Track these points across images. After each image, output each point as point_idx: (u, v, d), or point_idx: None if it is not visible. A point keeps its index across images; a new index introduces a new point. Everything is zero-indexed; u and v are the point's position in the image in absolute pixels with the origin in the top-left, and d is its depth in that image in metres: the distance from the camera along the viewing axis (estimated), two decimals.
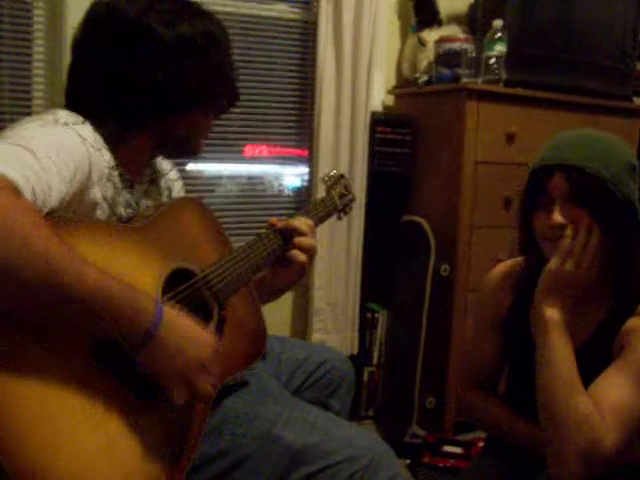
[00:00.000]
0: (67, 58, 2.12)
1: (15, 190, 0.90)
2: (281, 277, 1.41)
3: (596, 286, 1.29)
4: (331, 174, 1.60)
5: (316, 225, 1.46)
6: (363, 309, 2.80)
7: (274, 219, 1.39)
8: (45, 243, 0.88)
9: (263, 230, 1.37)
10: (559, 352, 1.21)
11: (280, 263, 1.39)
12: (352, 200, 1.62)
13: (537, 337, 1.25)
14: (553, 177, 1.26)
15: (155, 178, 1.39)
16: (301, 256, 1.37)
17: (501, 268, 1.49)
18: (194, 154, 1.36)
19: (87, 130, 1.13)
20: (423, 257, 2.59)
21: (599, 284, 1.30)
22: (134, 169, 1.28)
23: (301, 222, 1.39)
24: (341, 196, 1.58)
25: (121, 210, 1.23)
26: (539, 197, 1.29)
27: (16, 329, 0.90)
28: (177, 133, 1.28)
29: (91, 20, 1.23)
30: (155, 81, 1.19)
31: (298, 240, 1.37)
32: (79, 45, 1.24)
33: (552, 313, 1.23)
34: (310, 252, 1.38)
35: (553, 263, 1.24)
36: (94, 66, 1.22)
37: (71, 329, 0.96)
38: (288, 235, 1.37)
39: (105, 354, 1.00)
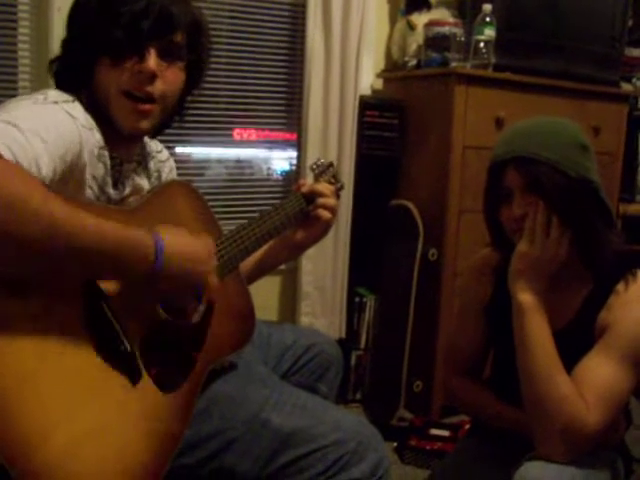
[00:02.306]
0: (53, 40, 2.13)
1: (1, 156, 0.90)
2: (307, 235, 1.53)
3: (574, 267, 1.31)
4: (319, 162, 1.61)
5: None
6: (351, 293, 2.81)
7: (301, 181, 1.56)
8: (44, 197, 0.87)
9: (257, 211, 1.46)
10: (535, 334, 1.23)
11: (306, 222, 1.51)
12: (341, 188, 1.63)
13: (513, 320, 1.27)
14: (507, 171, 1.29)
15: (143, 159, 1.39)
16: (326, 214, 1.49)
17: (482, 254, 1.50)
18: (121, 125, 1.21)
19: (78, 109, 1.12)
20: (411, 241, 2.60)
21: (576, 265, 1.31)
22: (122, 148, 1.27)
23: (324, 186, 1.52)
24: (330, 184, 1.58)
25: (110, 190, 1.23)
26: (500, 193, 1.32)
27: (11, 312, 0.90)
28: (96, 93, 1.20)
29: None
30: (67, 37, 1.23)
31: (322, 201, 1.49)
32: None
33: (525, 295, 1.26)
34: (334, 211, 1.51)
35: (521, 245, 1.27)
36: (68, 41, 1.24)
37: (70, 307, 0.97)
38: (312, 198, 1.50)
39: (99, 337, 1.00)
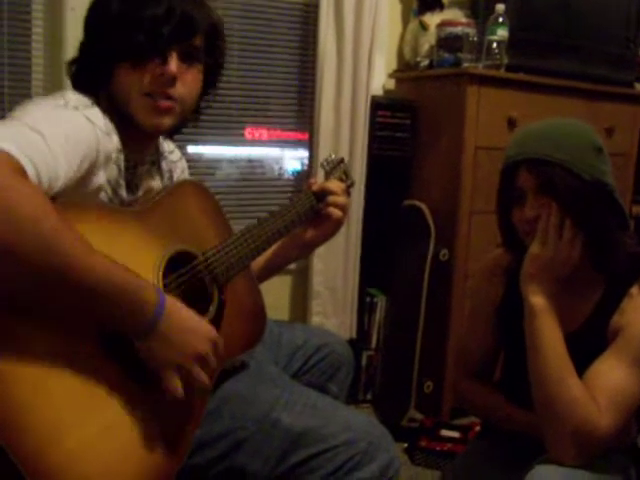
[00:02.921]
0: (67, 40, 2.14)
1: (20, 170, 0.90)
2: (318, 233, 1.52)
3: (587, 270, 1.30)
4: (330, 158, 1.61)
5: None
6: (362, 293, 2.81)
7: (312, 179, 1.55)
8: (54, 230, 0.88)
9: (268, 211, 1.43)
10: (546, 336, 1.22)
11: (316, 220, 1.51)
12: (351, 185, 1.63)
13: (525, 322, 1.26)
14: (520, 173, 1.28)
15: (156, 160, 1.39)
16: (337, 212, 1.49)
17: (494, 255, 1.49)
18: (142, 123, 1.21)
19: (96, 114, 1.13)
20: (423, 242, 2.59)
21: (589, 267, 1.31)
22: (137, 150, 1.27)
23: (334, 184, 1.52)
24: (340, 181, 1.58)
25: (123, 192, 1.23)
26: (513, 194, 1.31)
27: (19, 314, 0.90)
28: (115, 94, 1.21)
29: None
30: (86, 39, 1.23)
31: (333, 199, 1.49)
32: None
33: (537, 298, 1.25)
34: (344, 209, 1.50)
35: (533, 247, 1.26)
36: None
37: (76, 314, 0.97)
38: (323, 196, 1.49)
39: (109, 340, 1.00)
